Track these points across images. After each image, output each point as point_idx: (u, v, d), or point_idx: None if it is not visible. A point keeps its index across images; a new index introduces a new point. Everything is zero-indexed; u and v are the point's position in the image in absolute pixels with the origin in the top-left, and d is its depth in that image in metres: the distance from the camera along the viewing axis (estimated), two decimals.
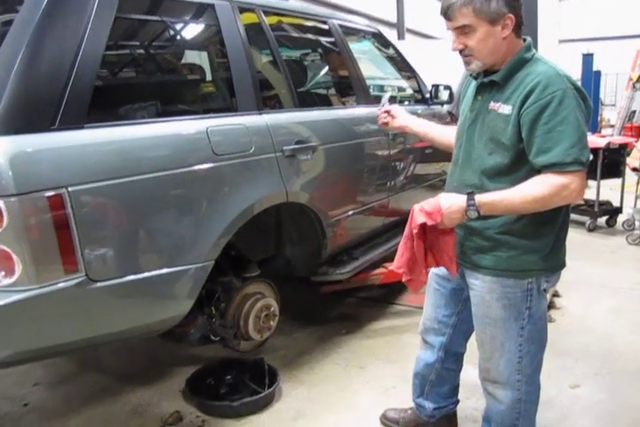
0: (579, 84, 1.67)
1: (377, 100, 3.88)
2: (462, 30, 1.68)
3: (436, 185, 4.07)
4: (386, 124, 2.44)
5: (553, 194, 1.62)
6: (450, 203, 1.69)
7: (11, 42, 1.81)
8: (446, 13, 1.67)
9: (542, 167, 1.65)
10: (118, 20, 2.05)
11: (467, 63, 1.74)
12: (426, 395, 2.24)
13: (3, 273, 1.73)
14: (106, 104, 2.06)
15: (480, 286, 1.85)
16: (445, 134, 2.23)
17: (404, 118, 2.39)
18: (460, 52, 1.72)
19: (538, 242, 1.77)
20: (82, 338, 1.95)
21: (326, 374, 2.88)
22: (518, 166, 1.71)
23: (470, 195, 1.68)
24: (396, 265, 1.86)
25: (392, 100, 2.54)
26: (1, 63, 1.80)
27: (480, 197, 1.67)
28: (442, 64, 5.96)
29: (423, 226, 1.71)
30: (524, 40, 1.76)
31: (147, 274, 2.02)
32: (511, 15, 1.66)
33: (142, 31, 2.45)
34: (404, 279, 1.87)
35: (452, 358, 2.15)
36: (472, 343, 2.11)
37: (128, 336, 2.15)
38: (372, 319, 3.54)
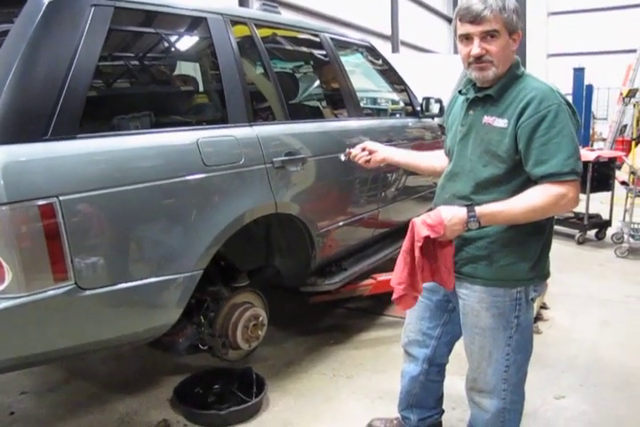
0: (569, 99, 1.75)
1: (367, 113, 3.95)
2: (487, 36, 1.72)
3: (426, 197, 4.09)
4: (367, 161, 2.42)
5: (552, 203, 1.68)
6: (451, 215, 1.71)
7: (5, 53, 1.84)
8: (478, 16, 1.69)
9: (540, 178, 1.70)
10: (111, 33, 2.09)
11: (483, 69, 1.76)
12: (411, 407, 2.26)
13: None
14: (98, 115, 2.09)
15: (470, 295, 1.87)
16: (428, 161, 2.27)
17: (384, 152, 2.40)
18: (479, 58, 1.74)
19: (527, 251, 1.82)
20: (70, 346, 1.96)
21: (313, 385, 2.89)
22: (511, 177, 1.77)
23: (470, 206, 1.72)
24: (397, 281, 1.82)
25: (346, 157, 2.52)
26: None
27: (480, 209, 1.71)
28: (436, 77, 6.07)
29: (426, 239, 1.72)
30: None
31: (136, 283, 2.04)
32: (520, 32, 1.78)
33: (135, 43, 2.49)
34: (395, 296, 1.84)
35: (435, 369, 2.17)
36: (458, 354, 2.14)
37: (117, 344, 2.16)
38: (360, 330, 3.56)
